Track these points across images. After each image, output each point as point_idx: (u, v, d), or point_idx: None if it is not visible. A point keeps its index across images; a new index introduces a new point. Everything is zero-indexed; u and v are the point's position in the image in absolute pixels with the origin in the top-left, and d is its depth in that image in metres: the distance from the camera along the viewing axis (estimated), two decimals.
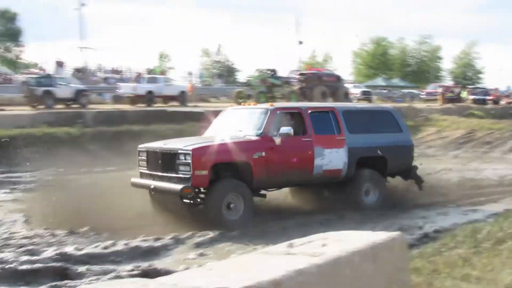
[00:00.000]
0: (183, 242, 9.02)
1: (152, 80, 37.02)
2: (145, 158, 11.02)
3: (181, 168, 9.96)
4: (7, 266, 7.05)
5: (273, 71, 35.56)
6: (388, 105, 15.40)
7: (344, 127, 11.78)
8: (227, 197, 10.16)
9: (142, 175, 11.09)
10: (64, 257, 7.78)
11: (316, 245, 4.64)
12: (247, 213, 10.26)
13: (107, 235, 9.25)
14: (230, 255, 7.99)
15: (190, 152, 9.87)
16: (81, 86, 36.06)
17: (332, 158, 11.49)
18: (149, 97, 33.73)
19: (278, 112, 11.48)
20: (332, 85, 36.32)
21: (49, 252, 7.92)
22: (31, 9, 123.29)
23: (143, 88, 34.76)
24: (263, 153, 10.76)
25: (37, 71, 47.66)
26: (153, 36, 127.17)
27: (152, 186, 10.50)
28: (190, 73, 61.92)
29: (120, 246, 8.56)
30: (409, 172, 12.61)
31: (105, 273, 7.06)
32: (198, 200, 10.47)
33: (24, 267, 7.17)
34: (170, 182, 10.15)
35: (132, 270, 6.88)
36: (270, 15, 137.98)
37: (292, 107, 12.76)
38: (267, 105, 12.04)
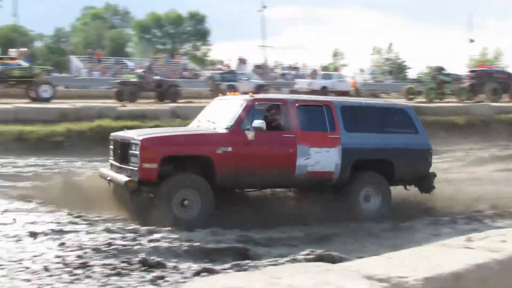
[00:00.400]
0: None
1: (327, 77, 39.58)
2: (112, 147, 10.12)
3: (132, 159, 8.95)
4: (195, 244, 7.52)
5: (441, 68, 35.58)
6: None
7: (340, 124, 10.00)
8: (179, 193, 8.87)
9: (111, 165, 10.09)
10: (245, 239, 8.08)
11: (494, 240, 4.46)
12: (204, 212, 8.95)
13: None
14: None
15: (139, 143, 8.82)
16: (261, 81, 38.62)
17: (321, 159, 9.78)
18: (324, 92, 34.46)
19: (257, 103, 10.18)
20: (503, 82, 34.83)
21: (233, 233, 8.26)
22: (218, 12, 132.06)
23: (318, 83, 37.26)
24: (230, 149, 9.34)
25: (221, 67, 50.29)
26: (327, 35, 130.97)
27: (108, 178, 9.48)
28: (362, 70, 61.99)
29: (296, 231, 8.67)
30: (423, 181, 10.49)
31: (282, 256, 7.16)
32: (151, 194, 9.30)
33: (210, 246, 7.60)
34: (122, 174, 9.18)
35: (308, 254, 6.94)
36: (440, 15, 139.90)
37: (275, 98, 11.71)
38: (247, 96, 10.60)
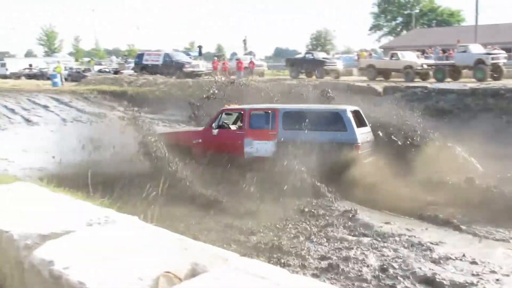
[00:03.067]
0: None
1: None
2: None
3: None
4: None
5: None
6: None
7: (280, 124, 14.57)
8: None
9: None
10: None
11: None
12: None
13: None
14: None
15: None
16: None
17: (261, 148, 14.58)
18: None
19: (224, 112, 16.10)
20: None
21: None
22: None
23: None
24: (200, 140, 15.46)
25: None
26: None
27: None
28: None
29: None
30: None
31: None
32: None
33: None
34: None
35: None
36: None
37: (237, 108, 16.38)
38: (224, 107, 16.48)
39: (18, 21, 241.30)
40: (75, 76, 47.93)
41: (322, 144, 13.33)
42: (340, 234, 10.40)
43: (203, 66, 41.92)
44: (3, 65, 60.67)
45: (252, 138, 14.62)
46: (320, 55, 42.47)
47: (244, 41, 57.04)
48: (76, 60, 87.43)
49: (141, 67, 41.74)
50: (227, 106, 16.52)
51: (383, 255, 8.89)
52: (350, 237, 10.07)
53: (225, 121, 15.89)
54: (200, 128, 16.15)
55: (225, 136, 15.17)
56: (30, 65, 60.72)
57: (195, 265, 2.74)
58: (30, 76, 54.62)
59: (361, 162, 13.32)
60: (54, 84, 40.40)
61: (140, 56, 44.71)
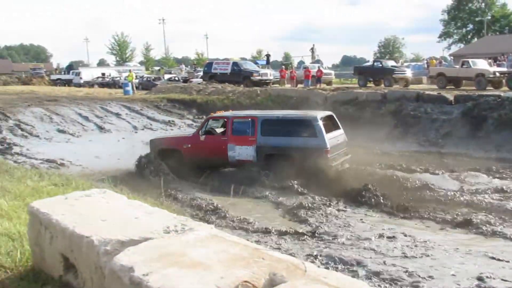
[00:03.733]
0: None
1: None
2: None
3: None
4: None
5: None
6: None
7: (259, 131, 15.64)
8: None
9: None
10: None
11: None
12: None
13: None
14: None
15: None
16: None
17: (242, 152, 15.77)
18: None
19: (210, 119, 17.29)
20: None
21: None
22: None
23: None
24: (189, 145, 16.60)
25: None
26: None
27: None
28: None
29: None
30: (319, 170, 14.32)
31: None
32: None
33: None
34: None
35: None
36: None
37: (221, 116, 17.62)
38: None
39: (91, 31, 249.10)
40: (146, 85, 48.86)
41: (296, 148, 14.77)
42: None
43: (271, 74, 42.06)
44: (78, 74, 62.38)
45: (235, 143, 15.86)
46: (389, 63, 41.84)
47: (312, 49, 56.75)
48: (147, 69, 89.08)
49: (210, 76, 42.19)
50: (212, 114, 18.25)
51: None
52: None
53: (213, 127, 17.11)
54: (190, 134, 17.77)
55: (211, 142, 16.40)
56: (103, 74, 62.25)
57: (273, 275, 2.74)
58: (102, 85, 55.93)
59: (330, 165, 14.62)
60: (126, 92, 41.33)
61: (209, 65, 45.25)
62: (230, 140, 15.94)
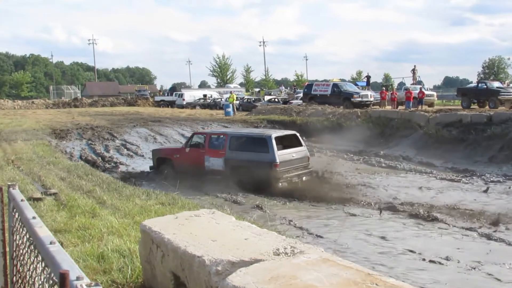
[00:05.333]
0: None
1: None
2: None
3: None
4: None
5: None
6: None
7: (228, 146, 18.09)
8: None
9: None
10: None
11: None
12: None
13: None
14: None
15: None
16: None
17: (215, 163, 18.30)
18: None
19: (195, 135, 20.25)
20: None
21: None
22: None
23: None
24: (178, 155, 19.54)
25: None
26: None
27: None
28: None
29: None
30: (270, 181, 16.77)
31: None
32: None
33: None
34: None
35: None
36: None
37: (203, 132, 21.12)
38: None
39: (193, 54, 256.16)
40: (246, 106, 49.59)
41: (253, 161, 17.17)
42: None
43: (371, 96, 41.60)
44: (181, 95, 64.06)
45: (210, 155, 18.53)
46: (494, 84, 40.35)
47: (413, 70, 55.64)
48: (247, 90, 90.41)
49: (310, 97, 42.21)
50: (197, 131, 23.56)
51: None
52: None
53: (196, 141, 19.67)
54: (179, 146, 21.31)
55: (193, 153, 19.07)
56: (205, 96, 63.61)
57: None
58: (204, 106, 57.23)
59: (278, 177, 16.87)
60: (227, 113, 42.16)
61: (309, 86, 45.35)
62: (207, 153, 18.74)
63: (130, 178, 19.30)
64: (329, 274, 3.24)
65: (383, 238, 11.54)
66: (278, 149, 17.24)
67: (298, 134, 18.85)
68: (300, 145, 18.48)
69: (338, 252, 9.67)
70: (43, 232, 1.98)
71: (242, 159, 17.66)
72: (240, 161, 17.69)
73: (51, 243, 1.82)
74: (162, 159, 20.31)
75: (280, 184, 16.96)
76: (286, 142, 17.99)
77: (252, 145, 17.83)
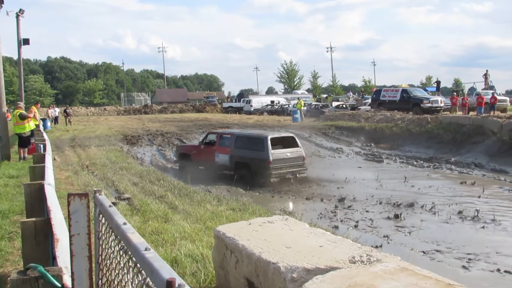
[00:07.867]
0: None
1: None
2: None
3: None
4: None
5: None
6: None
7: (233, 144, 20.70)
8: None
9: None
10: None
11: None
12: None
13: None
14: None
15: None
16: None
17: (223, 159, 20.80)
18: None
19: (209, 134, 23.03)
20: None
21: None
22: None
23: None
24: (195, 151, 22.38)
25: None
26: None
27: None
28: None
29: None
30: (265, 176, 19.18)
31: None
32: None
33: None
34: None
35: None
36: None
37: (215, 132, 23.56)
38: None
39: (261, 60, 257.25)
40: (314, 112, 49.41)
41: (252, 158, 19.59)
42: None
43: (441, 101, 40.73)
44: (248, 101, 64.42)
45: (219, 152, 21.09)
46: None
47: (485, 75, 54.18)
48: (314, 96, 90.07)
49: (378, 103, 41.79)
50: (212, 130, 26.48)
51: None
52: None
53: (211, 139, 22.18)
54: (197, 144, 23.79)
55: (207, 150, 21.68)
56: (272, 102, 63.77)
57: None
58: (271, 112, 57.52)
59: (271, 172, 19.13)
60: (295, 119, 42.19)
61: (377, 92, 44.88)
62: (217, 150, 21.28)
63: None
64: (407, 283, 3.19)
65: None
66: (275, 149, 19.68)
67: (295, 137, 21.31)
68: (297, 146, 20.73)
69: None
70: (136, 238, 2.04)
71: (244, 156, 20.24)
72: (242, 157, 20.29)
73: (146, 249, 1.87)
74: (183, 155, 23.45)
75: (272, 179, 19.33)
76: (284, 143, 20.44)
77: (252, 144, 20.26)
